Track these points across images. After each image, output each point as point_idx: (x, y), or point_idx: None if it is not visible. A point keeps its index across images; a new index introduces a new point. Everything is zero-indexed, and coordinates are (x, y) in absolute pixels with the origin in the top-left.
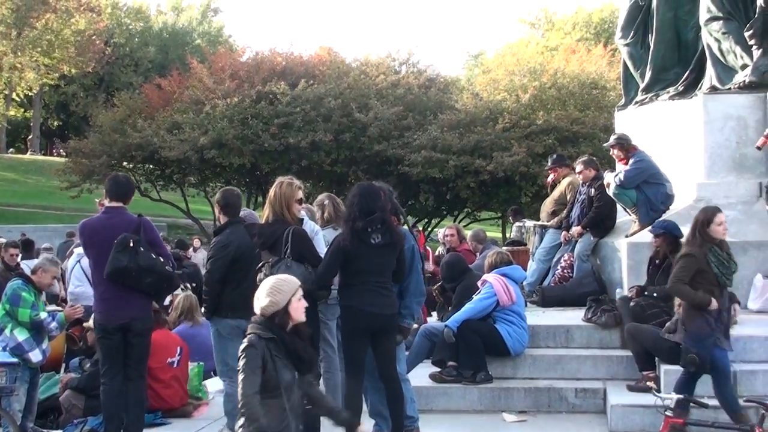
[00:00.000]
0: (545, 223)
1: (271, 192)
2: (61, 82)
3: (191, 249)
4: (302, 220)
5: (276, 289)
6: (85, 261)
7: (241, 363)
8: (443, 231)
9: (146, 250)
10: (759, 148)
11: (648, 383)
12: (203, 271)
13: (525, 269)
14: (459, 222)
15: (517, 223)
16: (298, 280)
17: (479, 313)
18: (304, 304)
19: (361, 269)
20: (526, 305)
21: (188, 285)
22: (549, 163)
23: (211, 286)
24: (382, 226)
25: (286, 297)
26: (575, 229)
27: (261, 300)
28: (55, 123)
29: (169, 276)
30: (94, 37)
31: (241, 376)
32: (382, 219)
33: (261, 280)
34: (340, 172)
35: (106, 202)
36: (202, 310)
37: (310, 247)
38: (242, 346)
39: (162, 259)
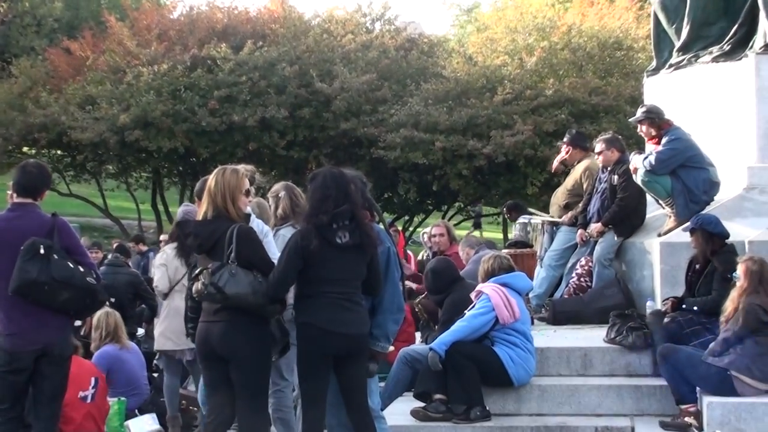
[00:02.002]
0: (556, 219)
1: (211, 181)
2: None
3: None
4: (249, 216)
5: None
6: None
7: None
8: (428, 230)
9: (62, 258)
10: None
11: (687, 419)
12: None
13: (531, 277)
14: (449, 219)
15: (521, 220)
16: (246, 292)
17: (473, 333)
18: None
19: (323, 277)
20: (532, 323)
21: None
22: (564, 139)
23: None
24: (350, 223)
25: None
26: (594, 227)
27: None
28: None
29: (91, 290)
30: None
31: None
32: (351, 213)
33: (198, 291)
34: (298, 158)
35: (14, 198)
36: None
37: (259, 249)
38: None
39: (82, 269)
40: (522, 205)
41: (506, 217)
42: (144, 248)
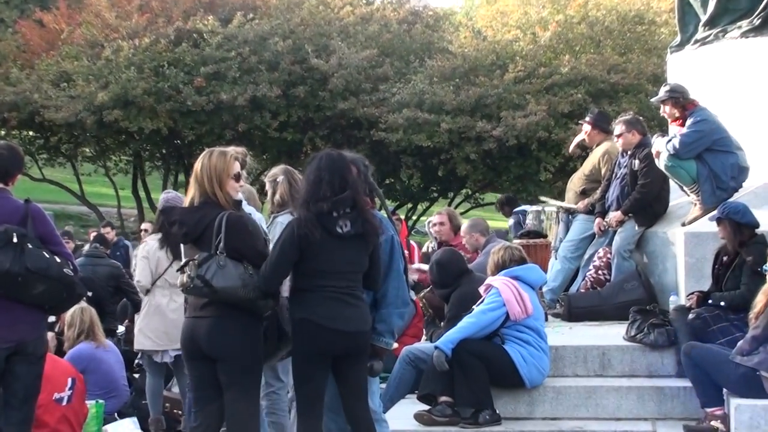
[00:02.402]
0: (572, 207)
1: (198, 165)
2: None
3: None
4: (240, 203)
5: None
6: None
7: None
8: (432, 219)
9: (37, 247)
10: None
11: (713, 423)
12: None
13: (545, 269)
14: (456, 207)
15: (534, 207)
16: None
17: (482, 330)
18: None
19: (322, 269)
20: (546, 319)
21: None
22: (587, 119)
23: None
24: (352, 211)
25: None
26: (613, 215)
27: None
28: None
29: (68, 283)
30: None
31: None
32: (353, 201)
33: (183, 284)
34: (292, 140)
35: None
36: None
37: (250, 239)
38: None
39: (59, 260)
40: (515, 199)
41: (500, 212)
42: (113, 235)
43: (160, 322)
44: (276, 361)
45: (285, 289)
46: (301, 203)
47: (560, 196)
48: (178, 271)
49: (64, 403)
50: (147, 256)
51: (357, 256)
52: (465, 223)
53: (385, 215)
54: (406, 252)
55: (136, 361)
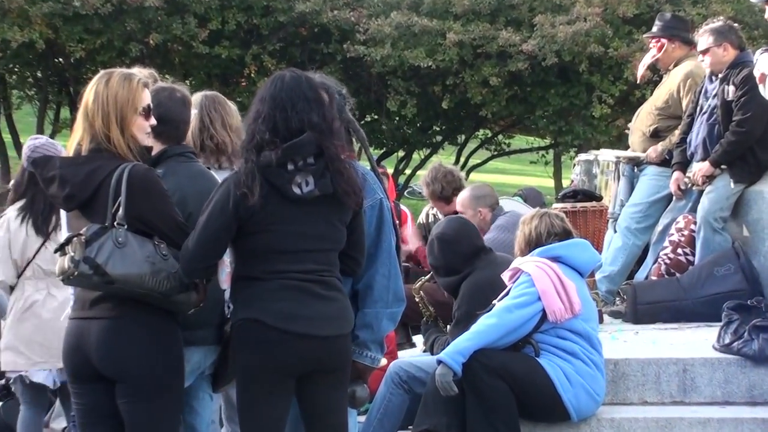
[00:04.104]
0: (639, 155)
1: (89, 95)
2: None
3: None
4: (150, 150)
5: None
6: None
7: None
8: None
9: None
10: None
11: None
12: None
13: (599, 247)
14: (469, 157)
15: (583, 156)
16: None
17: (507, 337)
18: None
19: (275, 247)
20: (601, 320)
21: None
22: (654, 29)
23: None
24: (317, 162)
25: None
26: (699, 167)
27: None
28: None
29: None
30: None
31: None
32: (317, 146)
33: (64, 271)
34: (228, 58)
35: None
36: None
37: (163, 204)
38: None
39: None
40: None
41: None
42: None
43: (35, 328)
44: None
45: (223, 279)
46: (240, 148)
47: (622, 142)
48: (56, 252)
49: None
50: (6, 235)
51: (327, 228)
52: (465, 192)
53: (369, 169)
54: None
55: (1, 383)
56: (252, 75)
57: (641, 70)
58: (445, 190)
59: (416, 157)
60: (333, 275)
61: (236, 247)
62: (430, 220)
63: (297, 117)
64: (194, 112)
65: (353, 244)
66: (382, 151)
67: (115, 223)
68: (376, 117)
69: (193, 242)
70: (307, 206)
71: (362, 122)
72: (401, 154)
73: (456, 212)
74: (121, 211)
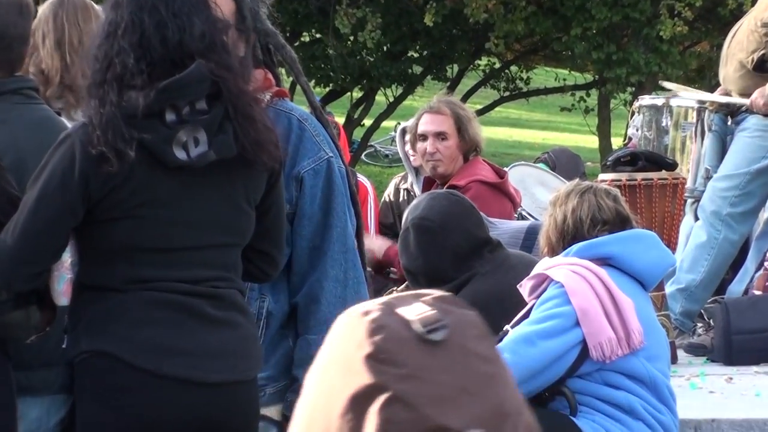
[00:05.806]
0: (734, 100)
1: None
2: None
3: None
4: None
5: None
6: None
7: None
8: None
9: None
10: None
11: None
12: None
13: (672, 241)
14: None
15: (646, 101)
16: None
17: (526, 383)
18: None
19: (141, 243)
20: (675, 359)
21: None
22: None
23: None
24: (212, 108)
25: None
26: None
27: None
28: None
29: None
30: None
31: None
32: (211, 81)
33: None
34: None
35: None
36: None
37: None
38: None
39: None
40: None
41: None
42: None
43: None
44: None
45: (61, 290)
46: (91, 85)
47: (703, 78)
48: None
49: None
50: None
51: (228, 211)
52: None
53: (311, 112)
54: None
55: None
56: None
57: None
58: None
59: (380, 99)
60: (233, 285)
61: (82, 242)
62: (401, 198)
63: (174, 35)
64: (48, 28)
65: (264, 233)
66: (328, 89)
67: None
68: (317, 36)
69: (17, 234)
70: (197, 178)
71: (295, 44)
72: (358, 94)
73: (456, 186)
74: None
